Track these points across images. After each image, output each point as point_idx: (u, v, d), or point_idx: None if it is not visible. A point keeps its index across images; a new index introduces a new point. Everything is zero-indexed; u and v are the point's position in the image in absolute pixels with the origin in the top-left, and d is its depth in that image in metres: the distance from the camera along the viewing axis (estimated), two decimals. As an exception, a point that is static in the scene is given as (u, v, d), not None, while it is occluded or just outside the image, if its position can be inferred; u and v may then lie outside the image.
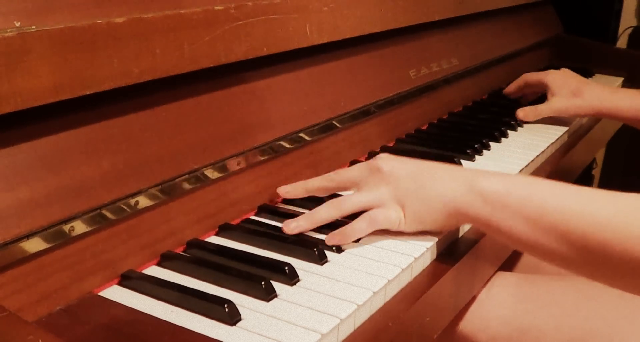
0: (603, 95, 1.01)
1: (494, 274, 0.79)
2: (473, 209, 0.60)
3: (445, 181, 0.62)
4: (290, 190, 0.72)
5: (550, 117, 1.07)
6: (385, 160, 0.66)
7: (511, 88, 1.19)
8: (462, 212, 0.61)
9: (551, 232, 0.55)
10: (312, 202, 0.73)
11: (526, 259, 0.96)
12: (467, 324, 0.76)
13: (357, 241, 0.64)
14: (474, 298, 0.76)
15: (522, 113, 1.06)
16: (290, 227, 0.65)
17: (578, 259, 0.55)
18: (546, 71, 1.12)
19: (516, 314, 0.74)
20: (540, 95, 1.16)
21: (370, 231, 0.63)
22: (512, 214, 0.57)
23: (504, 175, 0.62)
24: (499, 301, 0.76)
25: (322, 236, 0.64)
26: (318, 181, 0.71)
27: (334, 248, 0.62)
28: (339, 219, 0.65)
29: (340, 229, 0.63)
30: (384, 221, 0.63)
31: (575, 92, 1.03)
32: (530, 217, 0.56)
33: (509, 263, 0.95)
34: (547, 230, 0.55)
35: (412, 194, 0.63)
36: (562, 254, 0.56)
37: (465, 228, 0.70)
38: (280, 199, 0.75)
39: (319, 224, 0.65)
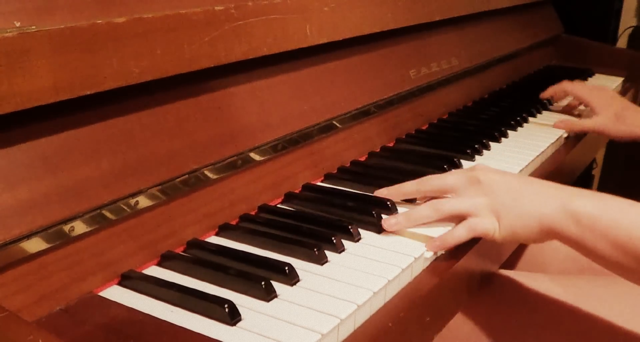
0: None
1: (495, 273, 0.79)
2: (565, 228, 0.61)
3: (541, 198, 0.63)
4: (387, 193, 0.73)
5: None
6: (485, 172, 0.68)
7: (547, 94, 1.19)
8: (554, 230, 0.62)
9: (637, 258, 0.57)
10: (312, 202, 0.73)
11: (527, 257, 0.96)
12: (468, 324, 0.76)
13: (357, 240, 0.64)
14: (475, 297, 0.76)
15: (561, 124, 1.06)
16: (390, 223, 0.66)
17: None
18: (590, 87, 1.13)
19: (517, 312, 0.74)
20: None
21: (468, 238, 0.65)
22: (602, 237, 0.59)
23: (598, 195, 0.63)
24: (499, 299, 0.76)
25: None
26: (414, 185, 0.71)
27: (334, 248, 0.62)
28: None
29: (440, 236, 0.64)
30: (482, 230, 0.65)
31: (618, 116, 1.04)
32: (618, 242, 0.58)
33: (510, 261, 0.95)
34: (633, 256, 0.57)
35: (508, 208, 0.64)
36: None
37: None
38: (280, 200, 0.75)
39: (417, 223, 0.67)
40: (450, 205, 0.66)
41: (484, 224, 0.65)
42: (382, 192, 0.73)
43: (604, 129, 1.05)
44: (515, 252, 0.89)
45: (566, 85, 1.15)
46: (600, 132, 1.06)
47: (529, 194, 0.64)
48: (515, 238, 0.65)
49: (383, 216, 0.68)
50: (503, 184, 0.66)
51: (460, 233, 0.65)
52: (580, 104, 1.16)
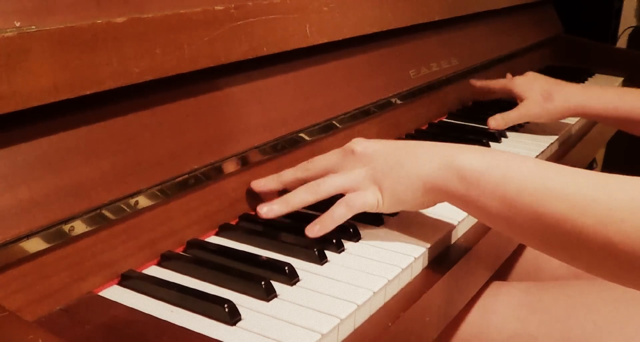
0: (571, 96, 0.98)
1: (488, 284, 0.79)
2: (450, 185, 0.58)
3: (423, 158, 0.60)
4: (264, 183, 0.69)
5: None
6: (359, 142, 0.64)
7: (479, 83, 1.14)
8: (439, 188, 0.59)
9: (527, 213, 0.53)
10: (314, 203, 0.73)
11: (520, 268, 0.96)
12: (461, 333, 0.76)
13: (357, 240, 0.64)
14: (469, 307, 0.76)
15: (493, 122, 1.01)
16: (263, 210, 0.64)
17: (553, 242, 0.53)
18: (508, 80, 1.08)
19: (509, 321, 0.74)
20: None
21: (350, 215, 0.62)
22: (489, 193, 0.56)
23: (484, 151, 0.60)
24: (492, 309, 0.76)
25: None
26: (292, 172, 0.68)
27: (334, 248, 0.62)
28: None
29: (318, 218, 0.62)
30: (362, 204, 0.61)
31: (545, 96, 0.99)
32: (506, 197, 0.54)
33: (503, 272, 0.95)
34: (523, 210, 0.53)
35: (388, 174, 0.61)
36: (536, 235, 0.54)
37: (463, 230, 0.70)
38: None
39: (293, 209, 0.64)
40: (326, 184, 0.63)
41: (362, 197, 0.61)
42: (259, 183, 0.69)
43: (531, 115, 1.00)
44: (508, 261, 0.89)
45: (488, 82, 1.11)
46: (531, 119, 1.02)
47: (408, 156, 0.61)
48: (401, 204, 0.62)
49: (384, 216, 0.68)
50: (380, 150, 0.63)
51: (339, 212, 0.61)
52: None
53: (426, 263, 0.63)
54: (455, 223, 0.68)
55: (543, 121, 1.02)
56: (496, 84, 1.11)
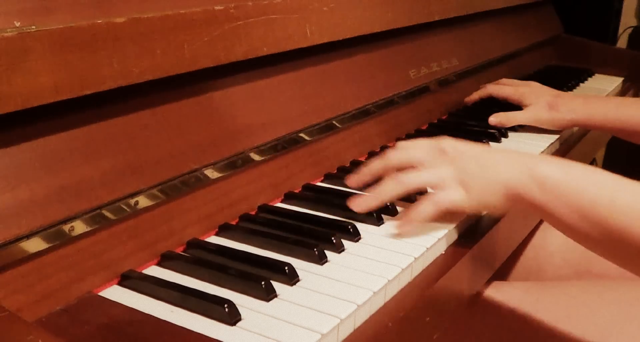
0: (576, 107, 1.00)
1: (489, 283, 0.79)
2: (530, 194, 0.60)
3: (507, 164, 0.63)
4: (357, 178, 0.72)
5: None
6: (450, 142, 0.67)
7: (472, 98, 1.14)
8: (519, 196, 0.61)
9: (600, 226, 0.56)
10: (312, 202, 0.73)
11: (520, 267, 0.96)
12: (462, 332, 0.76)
13: (357, 240, 0.64)
14: (469, 306, 0.76)
15: (494, 119, 1.02)
16: (358, 202, 0.66)
17: (625, 255, 0.56)
18: (514, 88, 1.09)
19: (510, 321, 0.74)
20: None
21: (436, 213, 0.64)
22: (566, 204, 0.58)
23: (564, 162, 0.62)
24: (493, 309, 0.76)
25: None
26: (380, 162, 0.70)
27: (334, 248, 0.62)
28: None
29: (403, 213, 0.63)
30: (450, 202, 0.64)
31: (550, 105, 1.01)
32: (582, 209, 0.57)
33: (504, 272, 0.95)
34: (597, 223, 0.56)
35: (475, 176, 0.63)
36: (609, 248, 0.57)
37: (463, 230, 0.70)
38: (280, 199, 0.75)
39: (387, 201, 0.66)
40: (414, 177, 0.65)
41: (450, 196, 0.63)
42: (352, 180, 0.72)
43: (537, 119, 1.02)
44: (509, 260, 0.89)
45: (490, 88, 1.12)
46: (534, 123, 1.03)
47: (495, 161, 0.63)
48: (484, 206, 0.64)
49: (384, 216, 0.68)
50: (469, 153, 0.65)
51: (425, 208, 0.63)
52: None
53: (427, 263, 0.63)
54: (454, 224, 0.68)
55: (546, 127, 1.04)
56: (500, 92, 1.11)
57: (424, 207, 0.64)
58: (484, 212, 0.68)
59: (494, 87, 1.12)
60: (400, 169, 0.68)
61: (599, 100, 1.04)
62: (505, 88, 1.10)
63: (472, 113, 1.14)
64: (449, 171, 0.64)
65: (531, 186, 0.60)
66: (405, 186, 0.65)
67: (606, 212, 0.55)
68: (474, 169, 0.64)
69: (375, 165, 0.70)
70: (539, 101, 1.02)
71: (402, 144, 0.70)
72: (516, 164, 0.62)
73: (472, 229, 0.71)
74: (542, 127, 1.03)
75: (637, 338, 0.68)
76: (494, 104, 1.19)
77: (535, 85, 1.09)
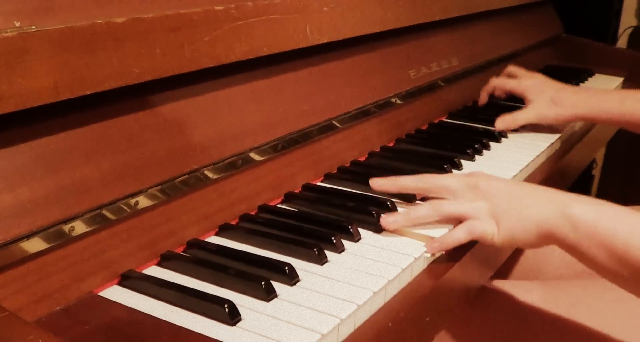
0: (580, 101, 1.00)
1: (490, 282, 0.79)
2: (563, 234, 0.61)
3: (540, 203, 0.63)
4: (382, 184, 0.72)
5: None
6: (484, 178, 0.68)
7: (483, 98, 1.15)
8: (552, 235, 0.62)
9: (631, 268, 0.56)
10: (312, 202, 0.73)
11: (521, 264, 0.96)
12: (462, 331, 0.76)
13: (357, 240, 0.64)
14: (470, 306, 0.76)
15: (501, 124, 1.01)
16: (388, 221, 0.66)
17: None
18: (518, 80, 1.09)
19: (511, 320, 0.74)
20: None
21: (467, 240, 0.65)
22: (598, 245, 0.58)
23: (597, 202, 0.62)
24: (494, 308, 0.76)
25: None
26: (413, 181, 0.71)
27: (334, 248, 0.62)
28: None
29: (439, 237, 0.64)
30: (481, 233, 0.64)
31: (554, 100, 1.01)
32: (613, 251, 0.57)
33: (505, 269, 0.95)
34: (630, 265, 0.57)
35: (507, 212, 0.64)
36: (637, 285, 0.57)
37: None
38: (280, 200, 0.75)
39: (415, 223, 0.67)
40: (450, 206, 0.66)
41: (482, 226, 0.64)
42: (377, 182, 0.73)
43: (541, 116, 1.01)
44: (509, 260, 0.89)
45: (494, 81, 1.12)
46: (538, 120, 1.02)
47: (528, 199, 0.64)
48: (514, 242, 0.65)
49: (383, 216, 0.68)
50: (503, 189, 0.66)
51: (459, 235, 0.64)
52: None
53: (427, 263, 0.63)
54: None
55: (550, 123, 1.03)
56: (504, 85, 1.10)
57: (458, 233, 0.65)
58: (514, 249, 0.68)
59: (497, 80, 1.12)
60: (430, 194, 0.69)
61: (602, 94, 1.03)
62: (509, 81, 1.09)
63: (472, 113, 1.14)
64: (483, 204, 0.65)
65: (564, 226, 0.61)
66: (440, 213, 0.66)
67: (637, 254, 0.56)
68: (506, 205, 0.64)
69: (407, 182, 0.71)
70: (542, 96, 1.02)
71: (436, 175, 0.71)
72: (550, 203, 0.62)
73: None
74: (546, 123, 1.03)
75: (637, 337, 0.68)
76: (494, 104, 1.19)
77: (538, 78, 1.08)
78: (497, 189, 0.66)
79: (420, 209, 0.67)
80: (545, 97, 1.02)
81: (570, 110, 0.99)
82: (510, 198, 0.65)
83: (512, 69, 1.14)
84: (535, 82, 1.06)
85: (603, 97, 1.01)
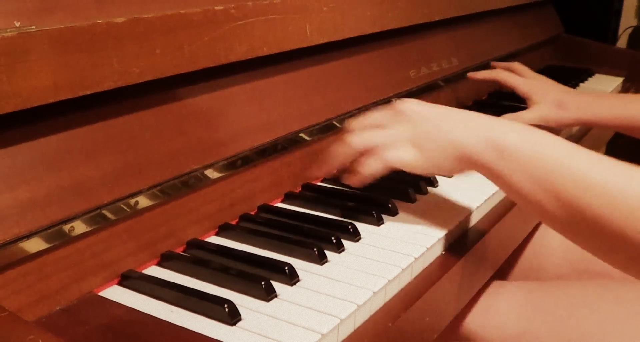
0: (584, 107, 0.98)
1: (489, 283, 0.79)
2: (483, 158, 0.59)
3: (463, 126, 0.61)
4: (320, 165, 0.70)
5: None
6: (407, 103, 0.65)
7: (478, 76, 1.11)
8: (472, 159, 0.60)
9: (556, 199, 0.54)
10: (312, 202, 0.73)
11: (521, 267, 0.96)
12: (462, 332, 0.76)
13: (357, 240, 0.64)
14: (470, 306, 0.76)
15: None
16: (312, 170, 0.65)
17: (572, 225, 0.54)
18: (523, 79, 1.06)
19: (511, 321, 0.74)
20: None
21: (382, 170, 0.63)
22: (520, 169, 0.56)
23: (522, 127, 0.60)
24: (494, 308, 0.76)
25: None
26: (341, 146, 0.67)
27: (334, 248, 0.62)
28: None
29: (352, 169, 0.62)
30: (395, 159, 0.62)
31: (558, 103, 0.99)
32: (535, 176, 0.55)
33: (504, 271, 0.95)
34: (553, 196, 0.54)
35: (427, 136, 0.62)
36: (558, 218, 0.55)
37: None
38: (280, 199, 0.75)
39: (335, 162, 0.65)
40: (362, 137, 0.64)
41: (397, 153, 0.62)
42: (318, 168, 0.71)
43: (544, 118, 1.00)
44: (509, 260, 0.89)
45: (499, 73, 1.09)
46: (542, 123, 1.00)
47: (452, 122, 0.62)
48: (435, 169, 0.63)
49: (383, 216, 0.68)
50: (423, 113, 0.63)
51: (373, 164, 0.62)
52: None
53: (427, 263, 0.63)
54: (456, 223, 0.68)
55: (552, 126, 1.02)
56: (509, 80, 1.07)
57: (371, 162, 0.62)
58: (436, 174, 0.65)
59: (503, 74, 1.09)
60: (365, 138, 0.65)
61: (606, 99, 1.02)
62: (515, 78, 1.07)
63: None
64: (404, 130, 0.63)
65: (487, 150, 0.58)
66: (353, 146, 0.64)
67: (566, 186, 0.53)
68: (429, 129, 0.62)
69: (339, 147, 0.67)
70: (547, 99, 1.01)
71: (362, 117, 0.67)
72: (473, 126, 0.60)
73: (472, 230, 0.71)
74: (548, 125, 1.01)
75: (637, 337, 0.68)
76: (494, 104, 1.19)
77: (543, 80, 1.07)
78: (417, 113, 0.63)
79: (334, 149, 0.65)
80: (549, 99, 1.00)
81: (574, 115, 0.98)
82: (431, 121, 0.62)
83: (518, 66, 1.12)
84: (540, 84, 1.05)
85: (607, 101, 1.00)
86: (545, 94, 1.01)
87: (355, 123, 0.67)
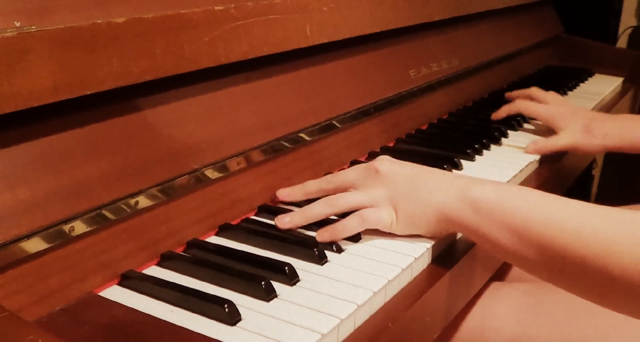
0: (610, 131, 0.97)
1: (488, 284, 0.79)
2: (462, 216, 0.60)
3: (440, 187, 0.62)
4: (289, 193, 0.72)
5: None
6: (384, 162, 0.66)
7: (501, 114, 1.08)
8: (452, 219, 0.61)
9: (534, 245, 0.55)
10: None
11: (518, 269, 0.96)
12: (460, 335, 0.76)
13: (358, 240, 0.64)
14: (468, 308, 0.76)
15: (534, 147, 0.95)
16: (283, 221, 0.66)
17: (558, 273, 0.55)
18: (545, 107, 1.03)
19: (509, 324, 0.74)
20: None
21: (361, 229, 0.64)
22: (499, 225, 0.57)
23: (497, 184, 0.61)
24: (492, 311, 0.76)
25: (314, 234, 0.64)
26: (316, 184, 0.70)
27: (334, 248, 0.62)
28: (332, 218, 0.66)
29: (331, 225, 0.64)
30: (375, 221, 0.63)
31: (586, 129, 0.97)
32: (515, 229, 0.56)
33: (503, 273, 0.95)
34: (531, 242, 0.55)
35: (406, 197, 0.63)
36: (543, 267, 0.56)
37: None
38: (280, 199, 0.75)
39: (311, 221, 0.66)
40: (345, 199, 0.65)
41: (377, 213, 0.63)
42: (284, 192, 0.72)
43: (575, 144, 0.97)
44: (507, 264, 0.89)
45: (520, 105, 1.06)
46: (573, 149, 0.98)
47: (427, 183, 0.63)
48: (414, 228, 0.64)
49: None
50: (402, 174, 0.65)
51: (351, 223, 0.63)
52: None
53: (426, 263, 0.63)
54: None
55: (581, 152, 1.00)
56: (530, 110, 1.05)
57: (350, 222, 0.63)
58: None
59: (522, 104, 1.06)
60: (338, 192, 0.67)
61: (632, 122, 1.00)
62: (537, 106, 1.04)
63: (473, 113, 1.14)
64: (381, 191, 0.64)
65: (464, 208, 0.60)
66: (335, 208, 0.65)
67: (540, 230, 0.55)
68: (406, 190, 0.63)
69: (311, 186, 0.70)
70: (575, 125, 0.98)
71: (337, 173, 0.70)
72: (449, 187, 0.62)
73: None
74: (577, 152, 0.99)
75: (636, 340, 0.68)
76: (494, 104, 1.19)
77: (568, 105, 1.04)
78: (396, 174, 0.65)
79: (315, 206, 0.66)
80: (578, 125, 0.98)
81: (600, 141, 0.97)
82: (410, 183, 0.64)
83: (535, 91, 1.09)
84: (566, 110, 1.02)
85: (633, 125, 0.98)
86: (573, 120, 0.99)
87: (335, 178, 0.69)
